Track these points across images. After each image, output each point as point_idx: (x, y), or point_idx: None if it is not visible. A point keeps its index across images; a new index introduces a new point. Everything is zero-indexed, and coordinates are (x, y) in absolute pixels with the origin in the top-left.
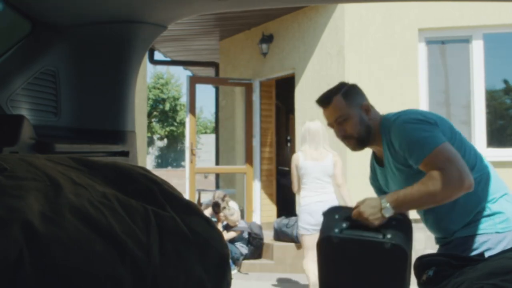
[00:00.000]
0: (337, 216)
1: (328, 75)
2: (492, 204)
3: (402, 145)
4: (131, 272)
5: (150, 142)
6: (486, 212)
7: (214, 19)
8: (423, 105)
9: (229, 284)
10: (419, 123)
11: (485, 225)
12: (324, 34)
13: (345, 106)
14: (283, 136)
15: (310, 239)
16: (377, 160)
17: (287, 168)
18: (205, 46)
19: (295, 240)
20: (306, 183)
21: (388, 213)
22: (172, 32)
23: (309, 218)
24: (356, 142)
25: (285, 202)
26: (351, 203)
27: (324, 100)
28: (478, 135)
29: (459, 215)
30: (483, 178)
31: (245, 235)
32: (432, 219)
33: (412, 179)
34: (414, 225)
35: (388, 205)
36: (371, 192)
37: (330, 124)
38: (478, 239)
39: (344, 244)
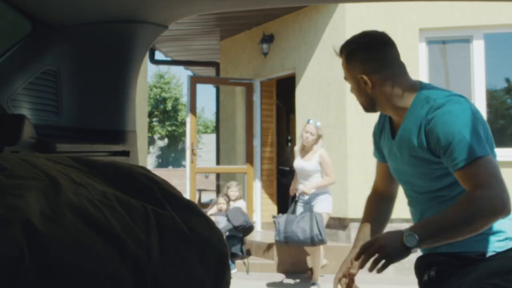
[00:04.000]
0: None
1: (329, 75)
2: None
3: (443, 138)
4: (131, 270)
5: (151, 142)
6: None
7: (214, 19)
8: None
9: (228, 283)
10: (474, 121)
11: (482, 243)
12: (325, 34)
13: (345, 68)
14: (284, 136)
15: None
16: (392, 126)
17: (287, 168)
18: (206, 46)
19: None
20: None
21: (411, 243)
22: (173, 32)
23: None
24: (361, 105)
25: (286, 202)
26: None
27: (338, 54)
28: None
29: None
30: None
31: (228, 233)
32: (419, 213)
33: (424, 178)
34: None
35: (412, 233)
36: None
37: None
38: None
39: None
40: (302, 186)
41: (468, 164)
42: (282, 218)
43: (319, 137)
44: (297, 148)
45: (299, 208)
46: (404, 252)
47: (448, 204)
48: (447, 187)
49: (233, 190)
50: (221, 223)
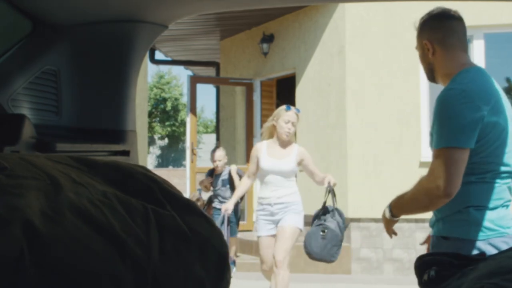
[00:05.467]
0: None
1: (329, 75)
2: (475, 210)
3: (435, 115)
4: (131, 270)
5: (151, 142)
6: (465, 215)
7: (214, 19)
8: (424, 105)
9: (228, 283)
10: (460, 109)
11: (460, 229)
12: (325, 34)
13: (417, 36)
14: None
15: None
16: None
17: None
18: (206, 45)
19: None
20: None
21: (387, 215)
22: (173, 32)
23: None
24: (425, 74)
25: None
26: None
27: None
28: None
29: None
30: (485, 182)
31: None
32: None
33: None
34: (415, 225)
35: (389, 207)
36: (369, 197)
37: None
38: (453, 244)
39: None
40: (330, 178)
41: (434, 149)
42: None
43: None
44: (263, 144)
45: (263, 224)
46: (389, 220)
47: None
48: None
49: (219, 158)
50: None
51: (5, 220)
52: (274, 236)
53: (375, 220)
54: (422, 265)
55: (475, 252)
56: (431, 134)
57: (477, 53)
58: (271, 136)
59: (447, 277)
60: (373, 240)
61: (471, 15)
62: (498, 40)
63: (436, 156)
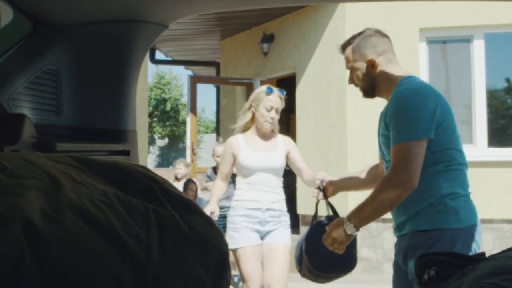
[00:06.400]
0: None
1: (329, 75)
2: (450, 200)
3: (389, 118)
4: (131, 270)
5: (151, 142)
6: (441, 206)
7: (215, 19)
8: None
9: (228, 282)
10: (416, 103)
11: (439, 220)
12: (325, 34)
13: (352, 59)
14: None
15: None
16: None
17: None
18: (206, 45)
19: None
20: None
21: (351, 231)
22: (173, 32)
23: None
24: (362, 90)
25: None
26: None
27: (341, 48)
28: (479, 135)
29: (410, 200)
30: (451, 170)
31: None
32: None
33: (384, 147)
34: (481, 225)
35: (349, 223)
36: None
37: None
38: (432, 235)
39: None
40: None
41: (394, 145)
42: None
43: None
44: (239, 138)
45: (247, 232)
46: (350, 236)
47: None
48: None
49: (179, 167)
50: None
51: (5, 220)
52: (260, 246)
53: (375, 220)
54: (421, 265)
55: (453, 240)
56: (383, 135)
57: (477, 53)
58: (246, 128)
59: (447, 277)
60: (373, 240)
61: (471, 15)
62: (498, 40)
63: (395, 152)
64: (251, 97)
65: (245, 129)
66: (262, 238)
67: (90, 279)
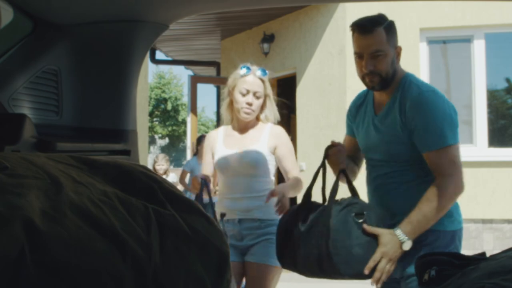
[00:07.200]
0: None
1: (329, 74)
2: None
3: (419, 120)
4: (131, 269)
5: (152, 141)
6: None
7: (215, 19)
8: None
9: (229, 282)
10: (448, 111)
11: (436, 222)
12: (325, 34)
13: (385, 41)
14: None
15: None
16: (374, 105)
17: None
18: (207, 45)
19: None
20: None
21: (408, 246)
22: (174, 32)
23: None
24: (380, 81)
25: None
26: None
27: (366, 28)
28: (479, 135)
29: (407, 197)
30: None
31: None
32: (378, 192)
33: (391, 145)
34: (482, 226)
35: (406, 239)
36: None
37: (360, 54)
38: (429, 236)
39: None
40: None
41: (436, 150)
42: None
43: (265, 100)
44: (219, 131)
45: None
46: (402, 252)
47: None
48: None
49: (161, 163)
50: None
51: (6, 219)
52: (241, 264)
53: None
54: (422, 265)
55: (450, 241)
56: (394, 135)
57: (478, 53)
58: (232, 119)
59: (448, 277)
60: None
61: (471, 15)
62: (498, 40)
63: (440, 156)
64: (228, 82)
65: (231, 120)
66: (243, 254)
67: (91, 279)
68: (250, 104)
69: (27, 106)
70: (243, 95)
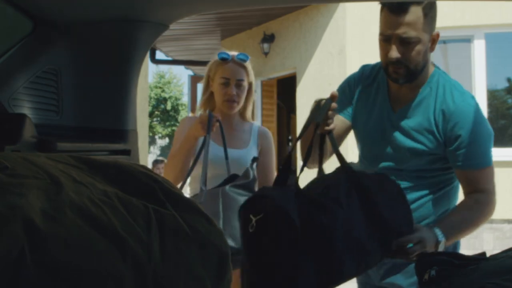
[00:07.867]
0: None
1: (330, 74)
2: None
3: (465, 135)
4: (131, 269)
5: (152, 141)
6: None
7: (215, 19)
8: None
9: (229, 282)
10: (489, 127)
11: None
12: (325, 34)
13: (422, 26)
14: (285, 135)
15: None
16: (390, 97)
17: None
18: (207, 45)
19: None
20: None
21: (442, 248)
22: (174, 32)
23: None
24: (406, 73)
25: None
26: None
27: (400, 4)
28: None
29: (429, 213)
30: (454, 187)
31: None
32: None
33: (412, 153)
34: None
35: (443, 240)
36: None
37: (388, 37)
38: None
39: None
40: None
41: (480, 169)
42: None
43: (250, 90)
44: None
45: None
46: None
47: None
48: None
49: (160, 167)
50: None
51: (6, 219)
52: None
53: None
54: (422, 265)
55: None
56: (426, 139)
57: (478, 53)
58: (211, 109)
59: (448, 277)
60: None
61: (471, 15)
62: (498, 40)
63: (484, 175)
64: (207, 68)
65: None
66: None
67: (91, 279)
68: (231, 95)
69: (27, 106)
70: (225, 84)
